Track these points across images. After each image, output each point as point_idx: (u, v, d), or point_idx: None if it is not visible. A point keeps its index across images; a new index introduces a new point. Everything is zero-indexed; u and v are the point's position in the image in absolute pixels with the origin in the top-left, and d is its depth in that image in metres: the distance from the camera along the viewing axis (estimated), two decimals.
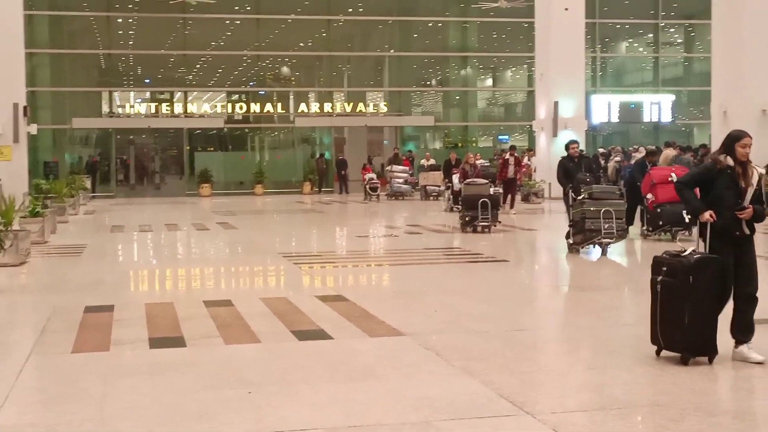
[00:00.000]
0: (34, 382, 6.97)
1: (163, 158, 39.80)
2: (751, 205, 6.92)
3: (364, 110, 38.48)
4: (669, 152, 26.44)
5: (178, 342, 8.05)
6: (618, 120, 37.76)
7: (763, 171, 7.27)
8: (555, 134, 30.64)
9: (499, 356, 7.37)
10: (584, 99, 32.66)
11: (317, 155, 38.26)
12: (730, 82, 21.26)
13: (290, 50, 38.74)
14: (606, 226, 13.47)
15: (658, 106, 38.12)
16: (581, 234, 13.79)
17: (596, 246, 14.08)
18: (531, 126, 34.82)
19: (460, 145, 38.76)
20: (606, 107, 37.37)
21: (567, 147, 15.45)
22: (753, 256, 7.07)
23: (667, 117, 38.13)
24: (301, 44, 38.68)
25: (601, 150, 32.19)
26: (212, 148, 39.05)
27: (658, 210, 15.27)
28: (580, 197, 13.90)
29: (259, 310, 9.59)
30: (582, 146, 31.53)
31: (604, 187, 15.16)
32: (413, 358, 7.31)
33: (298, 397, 6.13)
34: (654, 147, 18.74)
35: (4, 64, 26.36)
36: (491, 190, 18.31)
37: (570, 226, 14.16)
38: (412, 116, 39.84)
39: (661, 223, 15.40)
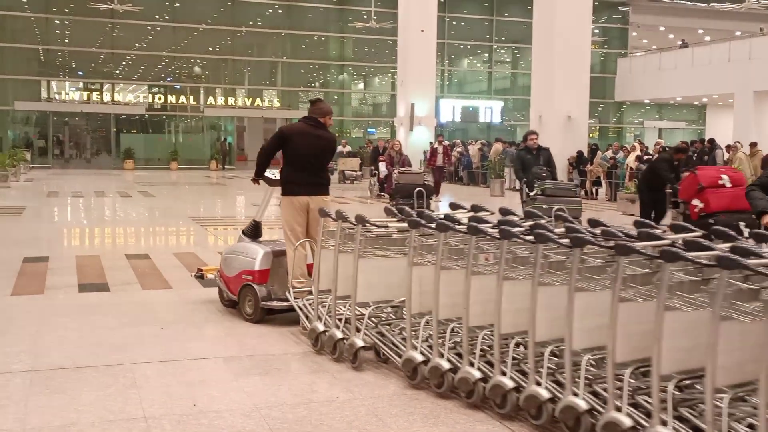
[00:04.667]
0: None
1: (93, 137, 38.33)
2: None
3: (260, 104, 38.12)
4: (498, 146, 27.00)
5: (103, 287, 7.78)
6: (460, 119, 38.47)
7: None
8: (411, 129, 30.93)
9: None
10: (434, 102, 33.04)
11: (222, 139, 37.87)
12: (544, 94, 21.82)
13: (201, 53, 37.82)
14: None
15: (490, 110, 38.96)
16: None
17: None
18: (393, 122, 35.08)
19: (336, 135, 38.70)
20: (451, 109, 38.00)
21: (525, 138, 11.43)
22: None
23: (497, 118, 39.01)
24: (210, 49, 37.78)
25: (446, 142, 32.73)
26: (135, 131, 37.89)
27: (710, 221, 9.46)
28: (533, 193, 10.65)
29: (172, 263, 9.36)
30: (432, 139, 32.46)
31: (558, 183, 11.33)
32: None
33: (201, 332, 6.02)
34: (683, 143, 12.12)
35: None
36: (424, 179, 15.19)
37: None
38: (299, 111, 39.45)
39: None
